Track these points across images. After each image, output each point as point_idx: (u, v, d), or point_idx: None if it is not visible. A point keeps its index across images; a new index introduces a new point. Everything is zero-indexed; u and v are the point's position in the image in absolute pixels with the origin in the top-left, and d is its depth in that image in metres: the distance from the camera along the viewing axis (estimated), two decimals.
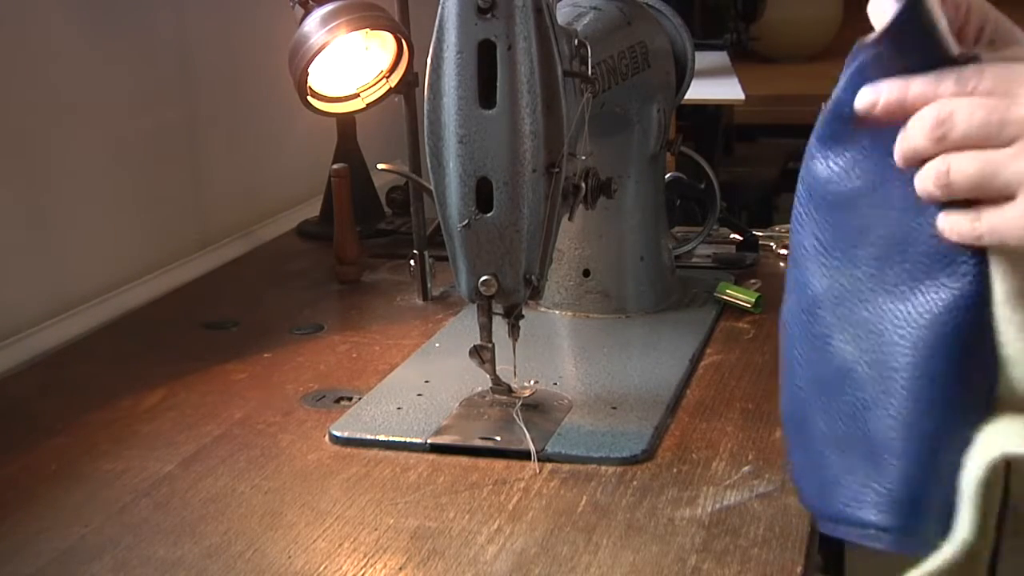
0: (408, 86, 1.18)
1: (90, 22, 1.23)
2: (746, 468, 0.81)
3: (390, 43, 1.20)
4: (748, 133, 2.34)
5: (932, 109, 0.56)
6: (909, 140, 0.57)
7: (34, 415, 0.97)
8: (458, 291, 0.86)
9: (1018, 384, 0.56)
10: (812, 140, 0.61)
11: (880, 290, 0.58)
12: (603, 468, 0.82)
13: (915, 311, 0.57)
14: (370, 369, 1.02)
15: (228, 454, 0.87)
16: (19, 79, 1.13)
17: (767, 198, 2.24)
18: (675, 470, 0.81)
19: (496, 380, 0.90)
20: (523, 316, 0.87)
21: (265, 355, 1.06)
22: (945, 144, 0.55)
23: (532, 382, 0.94)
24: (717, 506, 0.76)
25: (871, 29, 0.58)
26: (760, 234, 1.30)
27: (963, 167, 0.55)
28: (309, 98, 1.18)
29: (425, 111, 0.82)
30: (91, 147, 1.23)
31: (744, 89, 1.69)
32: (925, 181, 0.56)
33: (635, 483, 0.79)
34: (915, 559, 0.59)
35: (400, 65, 1.20)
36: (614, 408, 0.90)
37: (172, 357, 1.07)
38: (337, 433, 0.88)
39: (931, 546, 0.56)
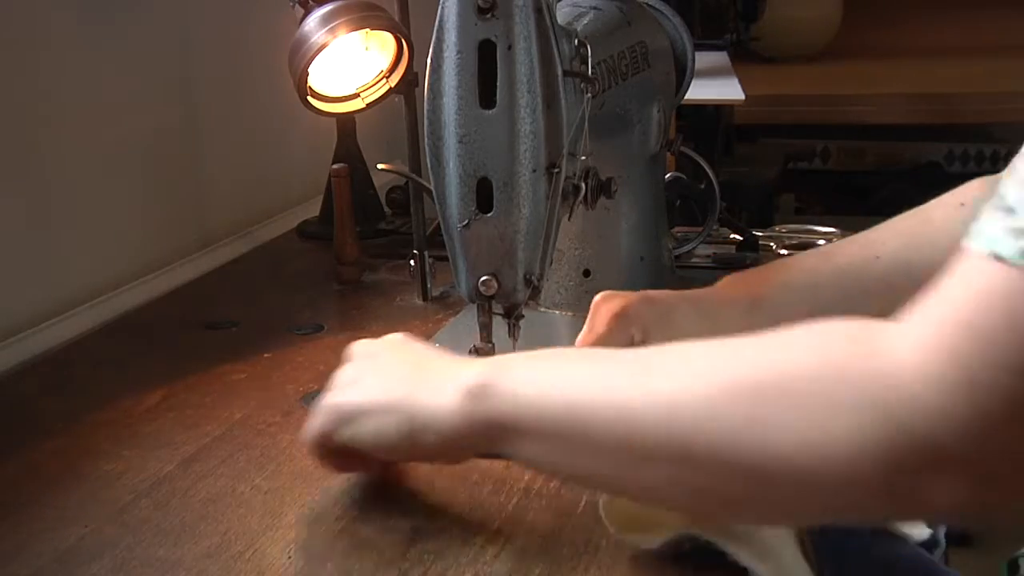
0: (408, 86, 1.18)
1: (90, 22, 1.23)
2: None
3: (390, 43, 1.20)
4: (748, 133, 2.34)
5: None
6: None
7: (34, 415, 0.97)
8: (458, 291, 0.86)
9: None
10: None
11: None
12: None
13: None
14: None
15: (228, 454, 0.87)
16: (19, 79, 1.13)
17: (767, 198, 2.24)
18: None
19: None
20: (523, 316, 0.87)
21: (265, 355, 1.06)
22: None
23: None
24: None
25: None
26: (760, 234, 1.30)
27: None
28: (309, 98, 1.18)
29: (425, 111, 0.82)
30: (91, 147, 1.23)
31: (744, 89, 1.69)
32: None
33: None
34: None
35: (400, 65, 1.20)
36: None
37: (172, 357, 1.07)
38: None
39: None
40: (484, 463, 0.83)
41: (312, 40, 1.14)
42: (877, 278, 0.90)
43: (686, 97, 1.17)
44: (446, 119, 0.81)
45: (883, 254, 0.91)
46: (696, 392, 0.58)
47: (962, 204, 0.92)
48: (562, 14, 0.96)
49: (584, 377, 0.64)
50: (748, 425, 0.55)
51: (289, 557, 0.73)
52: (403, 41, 1.18)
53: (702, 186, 1.21)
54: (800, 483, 0.54)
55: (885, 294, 0.89)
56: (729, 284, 0.93)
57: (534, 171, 0.81)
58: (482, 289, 0.83)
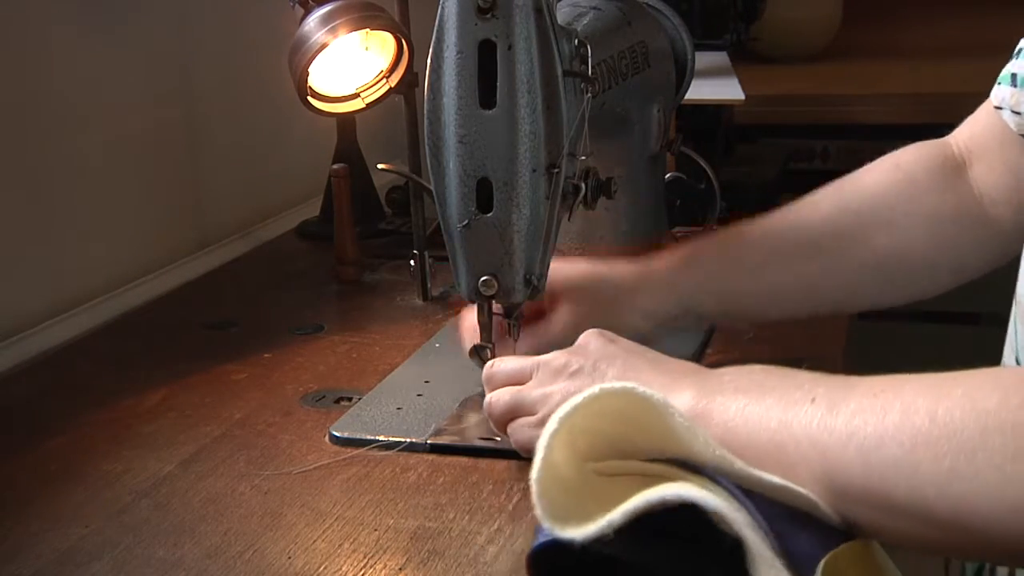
0: (408, 86, 1.18)
1: (90, 22, 1.23)
2: None
3: (390, 43, 1.20)
4: (748, 133, 2.33)
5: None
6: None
7: (34, 415, 0.97)
8: (458, 291, 0.86)
9: None
10: None
11: None
12: None
13: None
14: (370, 369, 1.02)
15: (228, 454, 0.87)
16: (19, 79, 1.13)
17: (767, 198, 2.23)
18: None
19: None
20: (523, 316, 0.87)
21: (265, 355, 1.06)
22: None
23: None
24: None
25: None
26: None
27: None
28: (309, 98, 1.18)
29: (425, 111, 0.82)
30: (91, 147, 1.23)
31: (744, 89, 1.68)
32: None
33: None
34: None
35: (400, 65, 1.20)
36: None
37: (172, 357, 1.07)
38: (337, 433, 0.88)
39: None
40: (484, 463, 0.83)
41: (312, 40, 1.14)
42: (807, 239, 0.92)
43: (686, 97, 1.17)
44: (446, 119, 0.81)
45: (814, 216, 0.93)
46: (887, 448, 0.58)
47: (896, 166, 0.93)
48: (562, 14, 0.96)
49: (786, 410, 0.64)
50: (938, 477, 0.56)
51: (289, 557, 0.73)
52: (403, 41, 1.18)
53: (702, 186, 1.21)
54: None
55: (814, 254, 0.92)
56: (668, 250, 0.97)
57: (534, 171, 0.81)
58: (482, 289, 0.83)
